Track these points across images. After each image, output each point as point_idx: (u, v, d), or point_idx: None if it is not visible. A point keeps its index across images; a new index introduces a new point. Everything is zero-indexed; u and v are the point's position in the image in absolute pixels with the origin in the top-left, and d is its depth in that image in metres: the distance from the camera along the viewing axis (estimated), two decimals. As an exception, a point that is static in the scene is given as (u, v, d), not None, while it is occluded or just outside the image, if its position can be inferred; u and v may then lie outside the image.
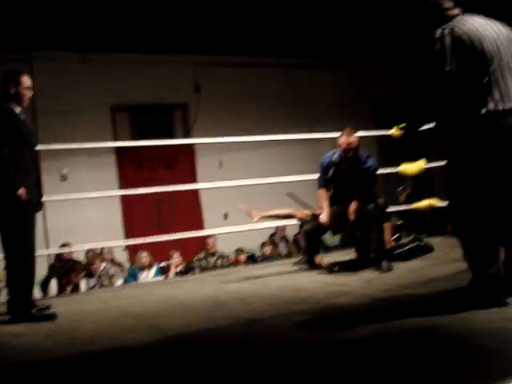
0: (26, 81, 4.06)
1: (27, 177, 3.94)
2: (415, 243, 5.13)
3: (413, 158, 6.21)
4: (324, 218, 4.98)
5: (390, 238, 5.20)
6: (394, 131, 5.14)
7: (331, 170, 5.02)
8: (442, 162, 6.05)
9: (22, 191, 3.81)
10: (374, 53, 10.52)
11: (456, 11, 3.13)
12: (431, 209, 6.59)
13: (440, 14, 3.13)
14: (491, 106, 2.86)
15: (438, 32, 2.97)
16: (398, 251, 5.01)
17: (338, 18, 8.89)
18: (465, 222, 3.02)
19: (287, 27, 9.01)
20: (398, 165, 6.19)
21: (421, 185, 8.49)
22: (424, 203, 6.40)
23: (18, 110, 4.02)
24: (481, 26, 2.97)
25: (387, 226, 5.08)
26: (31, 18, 7.41)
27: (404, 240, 5.76)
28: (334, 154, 5.04)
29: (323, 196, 5.09)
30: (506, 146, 2.86)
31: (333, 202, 5.03)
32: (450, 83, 2.91)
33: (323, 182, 5.12)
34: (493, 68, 2.90)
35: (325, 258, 5.26)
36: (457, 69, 2.88)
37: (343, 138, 4.90)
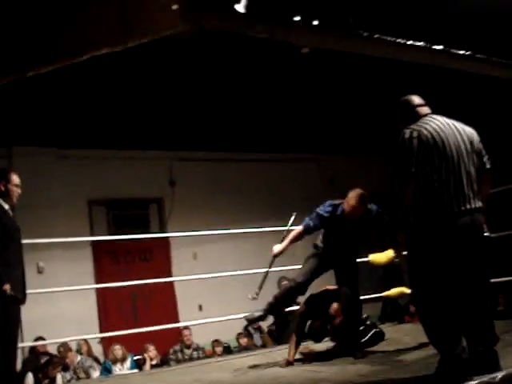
0: (15, 178, 4.28)
1: (13, 272, 4.05)
2: (373, 330, 5.26)
3: (382, 248, 6.41)
4: (276, 249, 4.94)
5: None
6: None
7: (333, 224, 4.75)
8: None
9: (6, 287, 3.90)
10: (343, 146, 11.03)
11: (425, 109, 3.37)
12: (401, 296, 6.77)
13: (410, 111, 3.38)
14: (448, 207, 3.10)
15: (407, 133, 3.18)
16: (363, 339, 5.14)
17: (308, 114, 9.38)
18: (427, 310, 3.22)
19: (260, 124, 9.44)
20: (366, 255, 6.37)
21: (390, 273, 8.74)
22: (394, 291, 6.57)
23: (6, 206, 4.21)
24: (445, 129, 3.20)
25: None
26: (12, 114, 7.65)
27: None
28: (338, 208, 4.76)
29: (295, 234, 4.90)
30: (460, 245, 3.11)
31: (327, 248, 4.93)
32: (414, 183, 3.15)
33: (309, 228, 4.82)
34: (452, 170, 3.13)
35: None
36: (421, 170, 3.12)
37: (352, 201, 4.61)
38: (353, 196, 4.65)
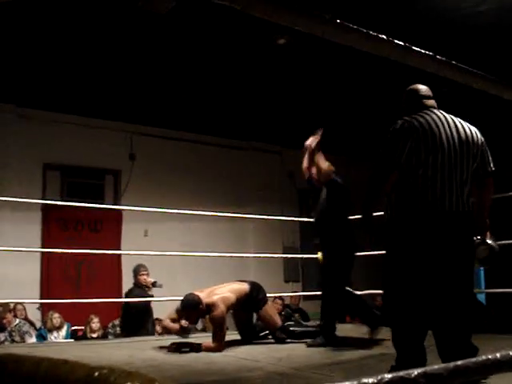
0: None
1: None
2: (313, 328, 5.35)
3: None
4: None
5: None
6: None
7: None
8: (362, 253, 6.40)
9: None
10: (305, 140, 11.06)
11: (431, 102, 3.23)
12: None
13: (416, 101, 3.24)
14: (431, 205, 2.95)
15: (399, 123, 3.07)
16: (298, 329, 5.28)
17: (278, 106, 9.39)
18: (397, 315, 3.08)
19: (227, 108, 9.43)
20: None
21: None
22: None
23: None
24: (441, 124, 3.05)
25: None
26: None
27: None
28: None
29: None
30: (439, 248, 2.96)
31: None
32: (397, 175, 3.04)
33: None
34: (441, 168, 2.97)
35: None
36: (406, 163, 3.00)
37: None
38: None
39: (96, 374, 1.38)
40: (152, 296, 6.57)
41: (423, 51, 3.76)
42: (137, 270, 6.71)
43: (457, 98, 6.68)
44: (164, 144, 10.23)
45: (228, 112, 9.57)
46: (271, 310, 5.27)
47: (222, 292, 4.90)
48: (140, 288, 6.57)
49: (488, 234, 3.24)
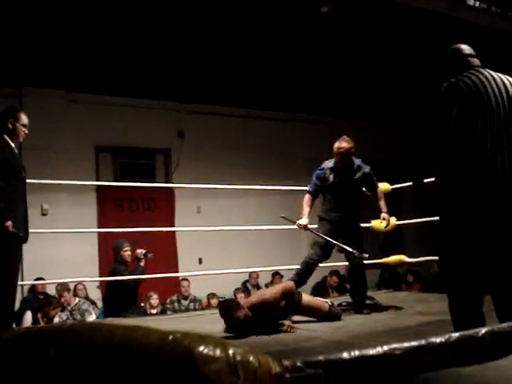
0: (24, 118, 4.27)
1: (16, 209, 4.07)
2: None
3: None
4: (302, 222, 5.08)
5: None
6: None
7: (329, 177, 5.06)
8: (413, 220, 6.31)
9: (8, 223, 3.92)
10: (356, 111, 10.95)
11: (476, 61, 3.16)
12: (400, 264, 6.83)
13: (460, 61, 3.17)
14: (482, 168, 2.89)
15: (445, 85, 3.02)
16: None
17: (322, 76, 9.28)
18: (454, 280, 3.04)
19: (274, 82, 9.37)
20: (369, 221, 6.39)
21: (391, 240, 8.77)
22: (393, 258, 6.62)
23: (12, 144, 4.21)
24: (489, 84, 2.98)
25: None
26: (23, 54, 7.61)
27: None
28: (330, 162, 5.13)
29: (306, 201, 5.13)
30: (492, 210, 2.91)
31: (329, 210, 5.09)
32: (449, 135, 2.97)
33: (311, 188, 5.17)
34: (490, 129, 2.91)
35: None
36: (455, 126, 2.94)
37: (336, 143, 5.02)
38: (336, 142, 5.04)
39: (170, 337, 1.41)
40: (144, 268, 6.23)
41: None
42: (119, 247, 6.40)
43: (509, 57, 6.45)
44: (211, 120, 10.26)
45: (274, 84, 9.50)
46: (308, 299, 4.81)
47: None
48: (125, 265, 6.30)
49: None
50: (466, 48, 3.23)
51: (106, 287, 6.65)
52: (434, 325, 4.11)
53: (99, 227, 8.97)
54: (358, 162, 5.09)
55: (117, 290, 6.13)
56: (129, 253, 6.35)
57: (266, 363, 1.49)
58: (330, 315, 4.66)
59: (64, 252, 8.20)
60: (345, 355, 1.39)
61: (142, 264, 6.22)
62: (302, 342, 3.80)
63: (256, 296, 4.54)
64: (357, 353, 1.38)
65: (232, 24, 7.32)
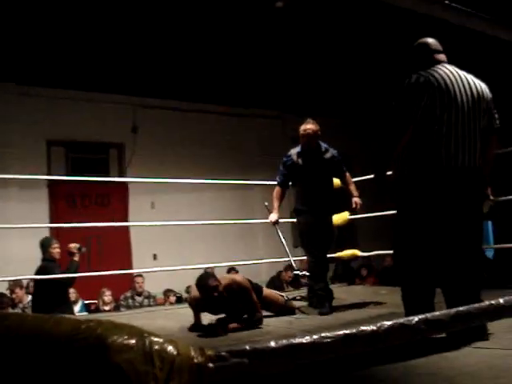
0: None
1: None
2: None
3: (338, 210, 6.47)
4: (273, 217, 4.98)
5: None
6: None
7: (297, 161, 4.89)
8: (367, 214, 6.39)
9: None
10: (309, 107, 10.99)
11: (442, 57, 3.18)
12: (353, 258, 6.91)
13: (426, 56, 3.18)
14: (445, 161, 2.94)
15: (414, 77, 3.02)
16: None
17: (276, 71, 9.31)
18: (407, 270, 3.09)
19: (228, 77, 9.35)
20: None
21: (344, 235, 8.85)
22: (347, 252, 6.68)
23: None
24: (454, 80, 3.01)
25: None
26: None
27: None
28: (295, 148, 4.97)
29: (276, 195, 5.01)
30: (451, 203, 2.95)
31: (301, 200, 4.98)
32: (412, 131, 2.98)
33: (280, 179, 5.01)
34: (455, 124, 2.95)
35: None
36: (421, 119, 2.96)
37: (301, 126, 4.87)
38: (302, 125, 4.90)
39: (83, 326, 1.40)
40: (79, 262, 5.93)
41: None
42: (47, 244, 6.09)
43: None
44: (166, 115, 10.19)
45: (227, 79, 9.48)
46: (268, 292, 4.99)
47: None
48: (53, 261, 5.99)
49: (489, 189, 3.23)
50: (433, 43, 3.24)
51: (34, 285, 6.35)
52: (386, 317, 4.16)
53: (51, 223, 8.79)
54: (324, 144, 4.99)
55: (46, 288, 5.81)
56: (58, 250, 6.06)
57: (186, 352, 1.49)
58: (285, 309, 4.68)
59: (15, 248, 8.02)
60: (272, 344, 1.39)
61: (77, 259, 5.92)
62: (255, 337, 3.80)
63: (228, 277, 4.50)
64: (284, 341, 1.39)
65: (187, 18, 7.27)
